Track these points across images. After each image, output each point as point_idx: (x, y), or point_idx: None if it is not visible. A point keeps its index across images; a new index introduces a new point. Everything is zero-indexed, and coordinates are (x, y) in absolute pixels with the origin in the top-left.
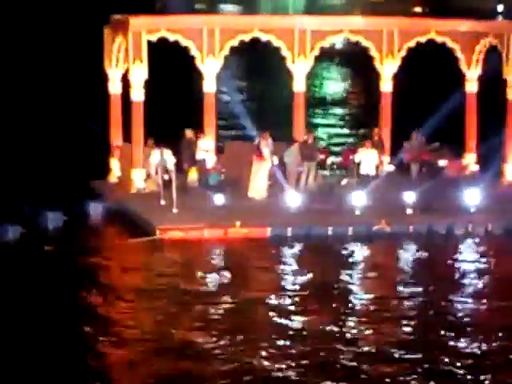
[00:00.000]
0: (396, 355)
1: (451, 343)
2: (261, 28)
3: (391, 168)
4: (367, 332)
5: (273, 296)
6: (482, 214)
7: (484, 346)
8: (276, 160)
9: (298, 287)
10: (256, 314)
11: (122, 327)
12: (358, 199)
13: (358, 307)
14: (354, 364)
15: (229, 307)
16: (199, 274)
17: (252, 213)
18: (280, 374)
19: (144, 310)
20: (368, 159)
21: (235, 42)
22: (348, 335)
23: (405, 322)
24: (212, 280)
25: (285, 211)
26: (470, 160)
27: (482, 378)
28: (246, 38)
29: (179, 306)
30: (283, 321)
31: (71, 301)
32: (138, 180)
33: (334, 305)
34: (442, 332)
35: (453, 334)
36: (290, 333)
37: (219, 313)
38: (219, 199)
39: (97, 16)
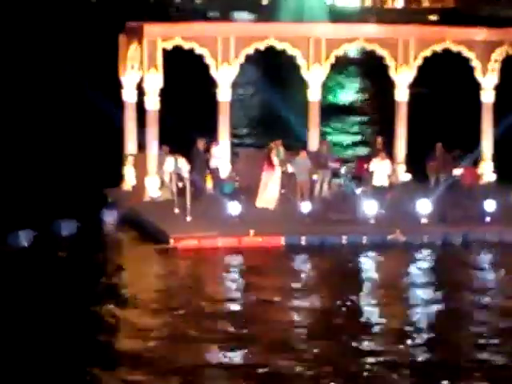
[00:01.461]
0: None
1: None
2: (276, 36)
3: (408, 177)
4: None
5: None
6: (498, 223)
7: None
8: (290, 168)
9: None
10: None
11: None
12: (373, 208)
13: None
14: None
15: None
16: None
17: (266, 221)
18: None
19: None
20: (381, 169)
21: (250, 50)
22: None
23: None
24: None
25: (299, 220)
26: (487, 169)
27: None
28: (261, 46)
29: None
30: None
31: (85, 310)
32: (152, 188)
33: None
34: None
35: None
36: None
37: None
38: (233, 207)
39: (112, 23)
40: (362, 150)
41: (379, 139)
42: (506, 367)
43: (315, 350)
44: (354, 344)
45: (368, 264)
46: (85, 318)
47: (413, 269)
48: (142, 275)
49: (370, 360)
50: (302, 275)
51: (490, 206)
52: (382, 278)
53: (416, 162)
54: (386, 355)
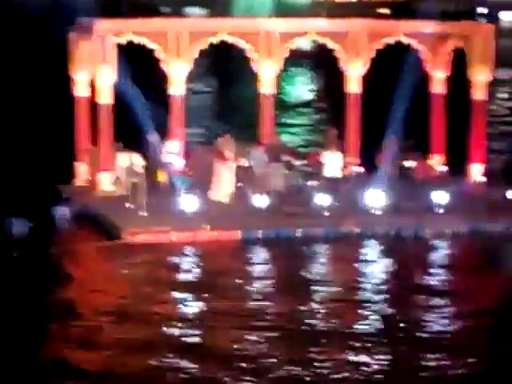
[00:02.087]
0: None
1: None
2: (228, 31)
3: (360, 169)
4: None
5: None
6: (450, 214)
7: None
8: (246, 162)
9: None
10: None
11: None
12: (326, 201)
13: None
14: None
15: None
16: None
17: (221, 215)
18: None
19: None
20: (333, 161)
21: (203, 45)
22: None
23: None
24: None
25: (253, 213)
26: (438, 161)
27: None
28: (214, 40)
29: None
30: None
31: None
32: (106, 183)
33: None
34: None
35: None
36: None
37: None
38: (188, 202)
39: (63, 20)
40: (315, 143)
41: (331, 132)
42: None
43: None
44: None
45: (318, 257)
46: (35, 321)
47: (361, 260)
48: (96, 272)
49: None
50: (257, 270)
51: (441, 197)
52: (329, 272)
53: (368, 154)
54: None
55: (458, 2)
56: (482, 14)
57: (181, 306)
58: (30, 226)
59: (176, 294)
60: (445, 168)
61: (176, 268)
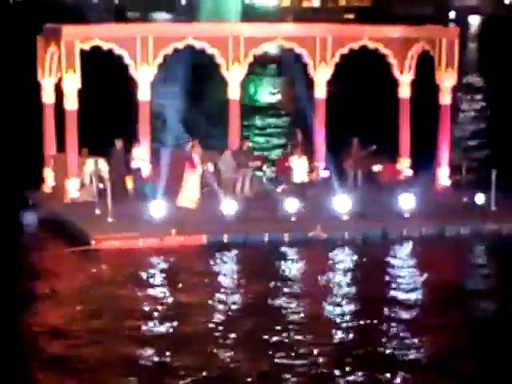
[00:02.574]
0: None
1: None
2: (194, 36)
3: (326, 174)
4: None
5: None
6: (417, 218)
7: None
8: (211, 167)
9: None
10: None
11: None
12: (293, 206)
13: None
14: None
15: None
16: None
17: (188, 221)
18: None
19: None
20: (300, 166)
21: (169, 50)
22: None
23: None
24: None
25: (221, 218)
26: (404, 165)
27: None
28: (180, 45)
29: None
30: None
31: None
32: (73, 189)
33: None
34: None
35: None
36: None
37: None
38: (155, 208)
39: (30, 25)
40: (282, 148)
41: (298, 137)
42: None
43: None
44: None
45: (284, 262)
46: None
47: (329, 265)
48: (63, 278)
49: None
50: (219, 274)
51: (408, 200)
52: (294, 276)
53: (335, 159)
54: None
55: (430, 6)
56: (454, 20)
57: (145, 303)
58: None
59: (139, 298)
60: (411, 172)
61: (141, 273)
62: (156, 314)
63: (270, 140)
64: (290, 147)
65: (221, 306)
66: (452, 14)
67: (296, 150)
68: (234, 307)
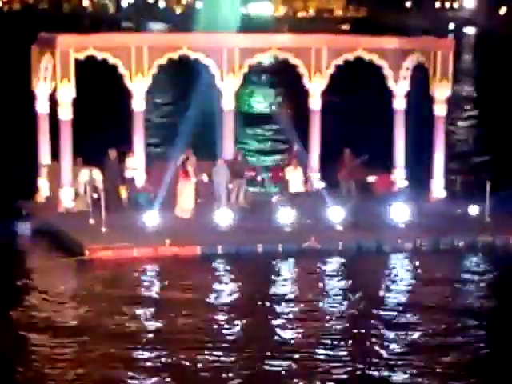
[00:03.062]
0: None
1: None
2: (189, 46)
3: (321, 185)
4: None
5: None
6: (410, 229)
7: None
8: (206, 178)
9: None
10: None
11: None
12: (288, 216)
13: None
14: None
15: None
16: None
17: (182, 231)
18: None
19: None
20: (295, 177)
21: (163, 61)
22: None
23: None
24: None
25: (215, 229)
26: (399, 176)
27: None
28: (174, 56)
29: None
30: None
31: None
32: (67, 199)
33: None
34: None
35: None
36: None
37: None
38: (149, 218)
39: (25, 34)
40: (277, 159)
41: (294, 147)
42: None
43: None
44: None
45: (277, 274)
46: None
47: (322, 276)
48: (56, 289)
49: None
50: (213, 286)
51: (402, 211)
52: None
53: (329, 170)
54: None
55: (426, 17)
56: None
57: (138, 320)
58: None
59: (133, 309)
60: (406, 182)
61: (135, 283)
62: (143, 336)
63: (265, 150)
64: (286, 158)
65: (211, 313)
66: (451, 26)
67: (292, 161)
68: (226, 316)
